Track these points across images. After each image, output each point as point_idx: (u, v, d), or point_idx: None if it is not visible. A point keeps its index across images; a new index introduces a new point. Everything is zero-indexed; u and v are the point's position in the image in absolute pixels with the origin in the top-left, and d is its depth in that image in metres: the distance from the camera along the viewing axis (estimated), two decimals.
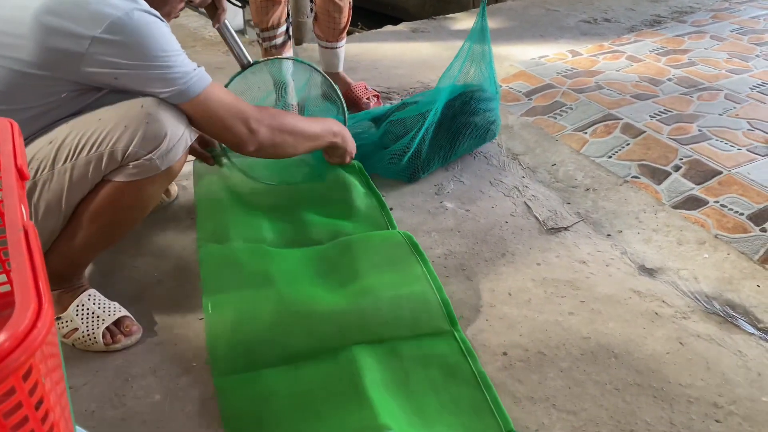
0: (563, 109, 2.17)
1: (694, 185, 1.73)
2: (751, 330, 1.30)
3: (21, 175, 0.70)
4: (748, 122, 2.00)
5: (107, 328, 1.26)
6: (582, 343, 1.27)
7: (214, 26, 1.64)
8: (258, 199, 1.66)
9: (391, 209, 1.68)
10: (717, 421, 1.11)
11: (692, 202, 1.67)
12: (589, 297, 1.39)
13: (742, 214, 1.60)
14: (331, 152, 1.64)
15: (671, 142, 1.91)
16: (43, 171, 1.13)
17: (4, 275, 0.93)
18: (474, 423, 1.10)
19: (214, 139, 1.43)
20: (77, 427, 0.86)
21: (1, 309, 0.90)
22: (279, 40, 2.01)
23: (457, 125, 1.81)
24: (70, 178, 1.14)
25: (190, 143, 1.23)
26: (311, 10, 2.18)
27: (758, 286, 1.40)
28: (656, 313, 1.35)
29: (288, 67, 1.80)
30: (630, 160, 1.86)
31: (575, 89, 2.29)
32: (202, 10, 1.57)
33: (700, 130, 1.96)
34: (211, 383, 1.17)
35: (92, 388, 1.18)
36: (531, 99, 2.28)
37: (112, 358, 1.25)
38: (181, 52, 1.17)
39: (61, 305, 1.28)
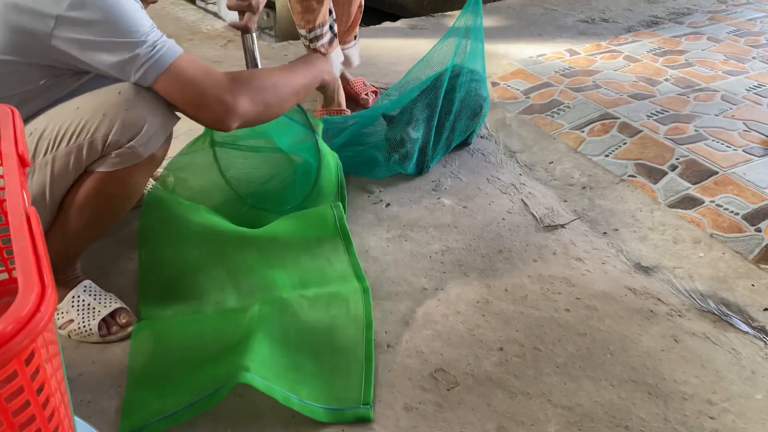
0: (561, 107, 2.18)
1: (690, 185, 1.74)
2: (745, 328, 1.31)
3: (22, 162, 0.70)
4: (744, 123, 2.01)
5: (103, 319, 1.26)
6: (578, 340, 1.28)
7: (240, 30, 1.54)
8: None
9: (388, 205, 1.68)
10: (711, 418, 1.12)
11: (688, 202, 1.68)
12: (585, 294, 1.40)
13: (737, 213, 1.61)
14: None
15: (668, 142, 1.92)
16: None
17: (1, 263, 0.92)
18: (339, 391, 1.15)
19: (192, 119, 1.22)
20: (74, 417, 0.85)
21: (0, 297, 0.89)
22: (326, 39, 1.93)
23: (449, 101, 1.80)
24: (51, 171, 1.12)
25: (171, 128, 1.20)
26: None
27: (753, 285, 1.41)
28: (651, 311, 1.35)
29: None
30: (627, 159, 1.87)
31: (573, 88, 2.30)
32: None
33: (696, 131, 1.97)
34: None
35: (89, 379, 1.17)
36: (529, 97, 2.28)
37: (108, 348, 1.24)
38: (151, 28, 1.11)
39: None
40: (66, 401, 0.68)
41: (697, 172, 1.77)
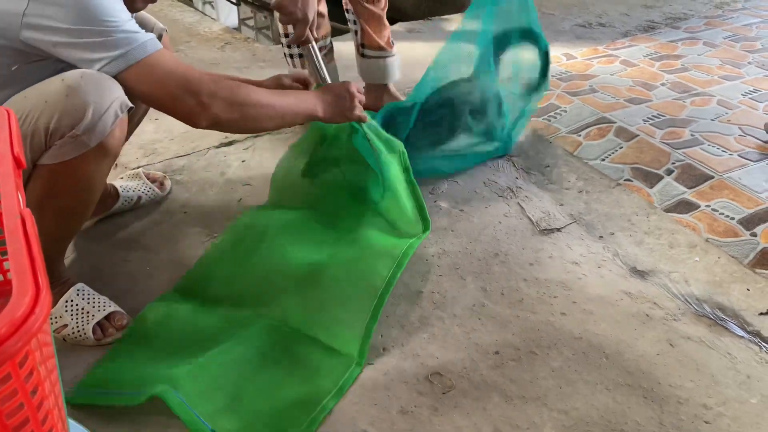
0: (557, 111, 2.19)
1: (686, 189, 1.74)
2: (741, 333, 1.31)
3: (18, 163, 0.70)
4: (740, 128, 2.02)
5: (98, 323, 1.25)
6: (573, 343, 1.28)
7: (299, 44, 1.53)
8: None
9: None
10: (706, 422, 1.12)
11: (684, 206, 1.68)
12: (581, 298, 1.40)
13: (733, 218, 1.61)
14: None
15: (664, 146, 1.93)
16: None
17: None
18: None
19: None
20: (68, 420, 0.85)
21: None
22: (324, 51, 1.91)
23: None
24: None
25: (122, 116, 1.13)
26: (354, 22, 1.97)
27: (748, 289, 1.41)
28: (647, 315, 1.36)
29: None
30: (623, 163, 1.87)
31: (569, 92, 2.30)
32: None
33: (692, 135, 1.98)
34: None
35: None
36: None
37: (103, 351, 1.24)
38: (129, 18, 1.10)
39: None
40: (60, 404, 0.68)
41: (693, 177, 1.78)
